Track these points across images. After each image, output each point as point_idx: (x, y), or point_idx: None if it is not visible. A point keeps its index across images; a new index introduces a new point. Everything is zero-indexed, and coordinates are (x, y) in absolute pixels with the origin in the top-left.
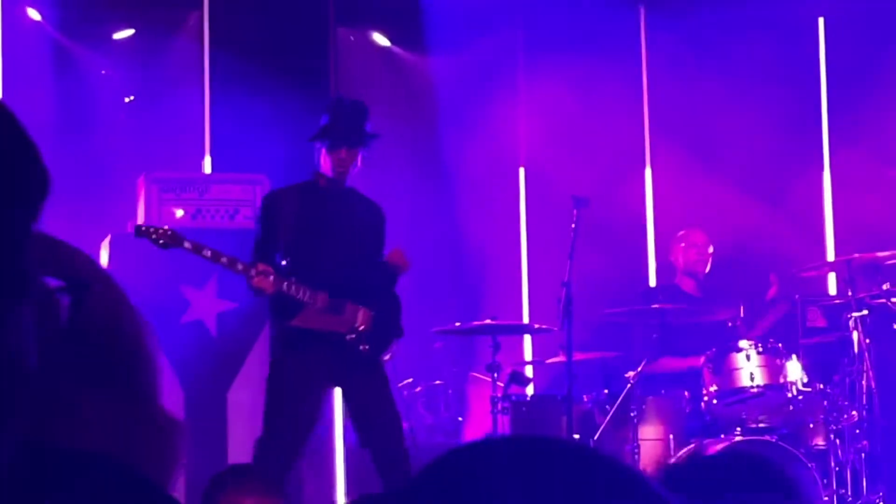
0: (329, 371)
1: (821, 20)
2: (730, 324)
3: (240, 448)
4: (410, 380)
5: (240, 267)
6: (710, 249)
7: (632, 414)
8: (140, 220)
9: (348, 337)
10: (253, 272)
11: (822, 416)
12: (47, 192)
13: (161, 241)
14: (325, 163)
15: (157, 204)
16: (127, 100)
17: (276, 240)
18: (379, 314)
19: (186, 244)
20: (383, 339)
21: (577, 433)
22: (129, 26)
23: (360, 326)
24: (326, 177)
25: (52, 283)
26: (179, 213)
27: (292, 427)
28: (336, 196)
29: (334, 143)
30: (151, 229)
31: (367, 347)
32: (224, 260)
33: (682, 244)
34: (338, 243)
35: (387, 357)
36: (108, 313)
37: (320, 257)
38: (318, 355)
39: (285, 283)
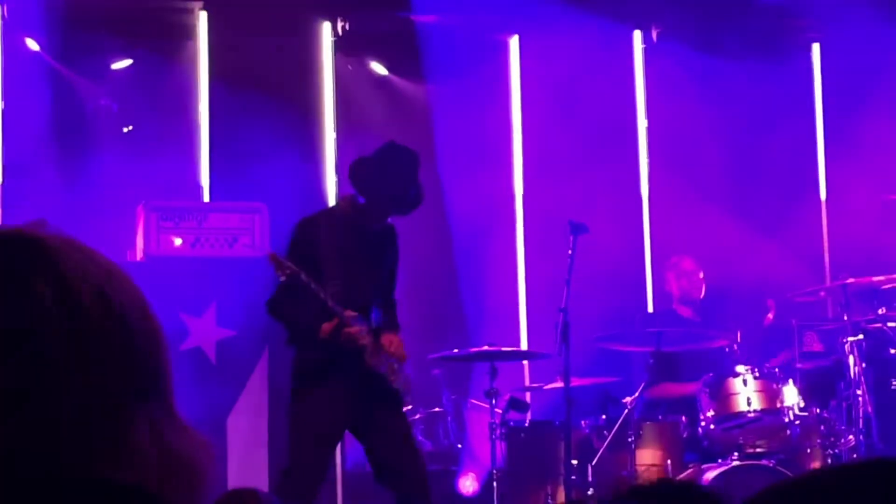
0: (353, 403)
1: (815, 46)
2: (727, 349)
3: (239, 474)
4: (409, 407)
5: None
6: (701, 275)
7: (629, 440)
8: (139, 248)
9: (384, 367)
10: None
11: (819, 441)
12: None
13: (283, 275)
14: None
15: (156, 232)
16: (125, 129)
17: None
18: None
19: (303, 277)
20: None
21: (575, 459)
22: (127, 56)
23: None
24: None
25: None
26: (178, 241)
27: (320, 460)
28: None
29: (398, 208)
30: (280, 261)
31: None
32: (330, 304)
33: (673, 273)
34: (367, 272)
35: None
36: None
37: (351, 287)
38: (343, 386)
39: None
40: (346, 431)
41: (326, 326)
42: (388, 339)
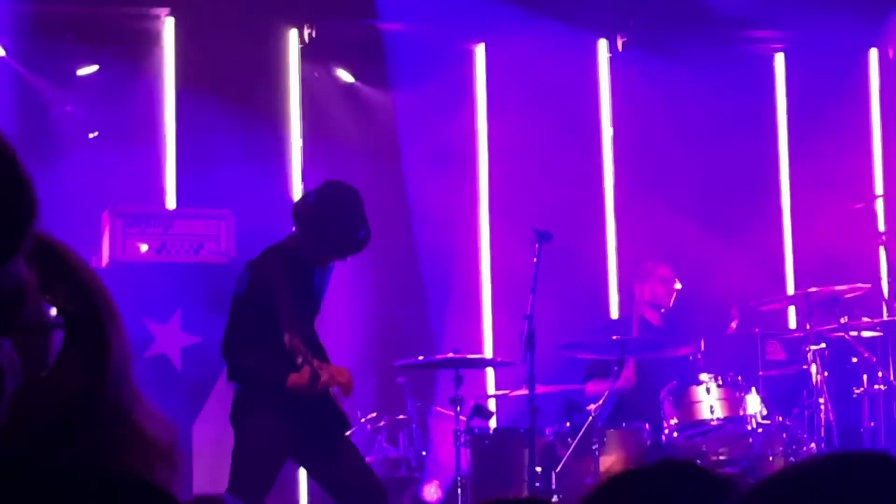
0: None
1: (779, 56)
2: (691, 357)
3: (205, 480)
4: (374, 414)
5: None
6: (678, 286)
7: (593, 447)
8: (104, 254)
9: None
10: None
11: (781, 449)
12: (34, 220)
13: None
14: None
15: (121, 238)
16: (91, 135)
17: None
18: None
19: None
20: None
21: (539, 466)
22: (93, 62)
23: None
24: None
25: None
26: (144, 247)
27: (264, 487)
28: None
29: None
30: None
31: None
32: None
33: (650, 276)
34: (313, 305)
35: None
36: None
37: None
38: (290, 415)
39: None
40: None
41: (298, 378)
42: (338, 371)
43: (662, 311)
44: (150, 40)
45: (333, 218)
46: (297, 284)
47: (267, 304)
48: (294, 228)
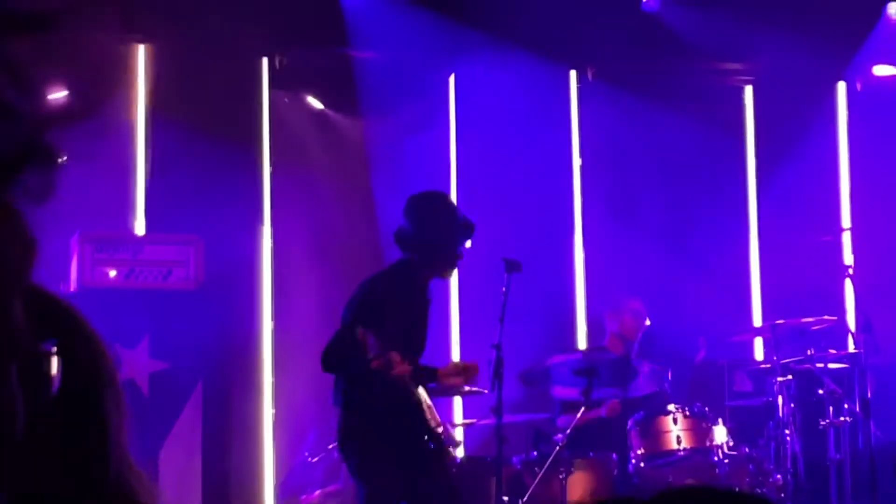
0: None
1: (748, 88)
2: (658, 388)
3: None
4: None
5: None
6: (647, 322)
7: (560, 476)
8: (73, 279)
9: None
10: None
11: (747, 480)
12: (35, 254)
13: None
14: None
15: (90, 264)
16: (60, 160)
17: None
18: None
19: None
20: None
21: (506, 495)
22: (62, 86)
23: None
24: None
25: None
26: (112, 273)
27: None
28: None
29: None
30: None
31: None
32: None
33: (621, 309)
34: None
35: None
36: (92, 373)
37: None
38: None
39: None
40: None
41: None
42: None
43: (629, 343)
44: (122, 66)
45: (436, 211)
46: (410, 311)
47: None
48: (403, 255)
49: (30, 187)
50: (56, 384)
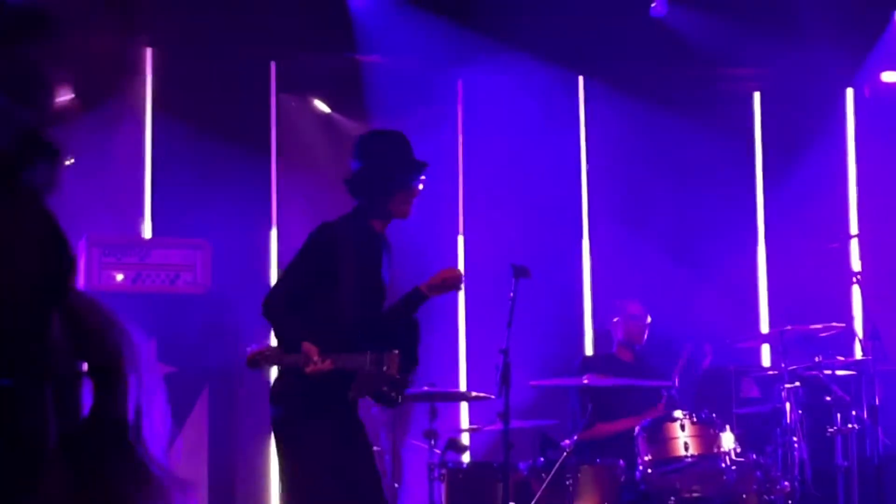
0: None
1: (756, 94)
2: (665, 393)
3: None
4: None
5: None
6: (648, 320)
7: (567, 483)
8: (80, 283)
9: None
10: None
11: (754, 487)
12: (74, 276)
13: None
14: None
15: (97, 268)
16: (68, 162)
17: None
18: None
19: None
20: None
21: (512, 501)
22: (70, 88)
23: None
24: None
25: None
26: (119, 277)
27: None
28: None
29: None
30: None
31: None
32: None
33: (621, 316)
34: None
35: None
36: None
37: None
38: None
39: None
40: None
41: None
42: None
43: (636, 348)
44: (130, 69)
45: (384, 148)
46: (367, 260)
47: (327, 276)
48: (353, 194)
49: (35, 181)
50: (86, 406)
